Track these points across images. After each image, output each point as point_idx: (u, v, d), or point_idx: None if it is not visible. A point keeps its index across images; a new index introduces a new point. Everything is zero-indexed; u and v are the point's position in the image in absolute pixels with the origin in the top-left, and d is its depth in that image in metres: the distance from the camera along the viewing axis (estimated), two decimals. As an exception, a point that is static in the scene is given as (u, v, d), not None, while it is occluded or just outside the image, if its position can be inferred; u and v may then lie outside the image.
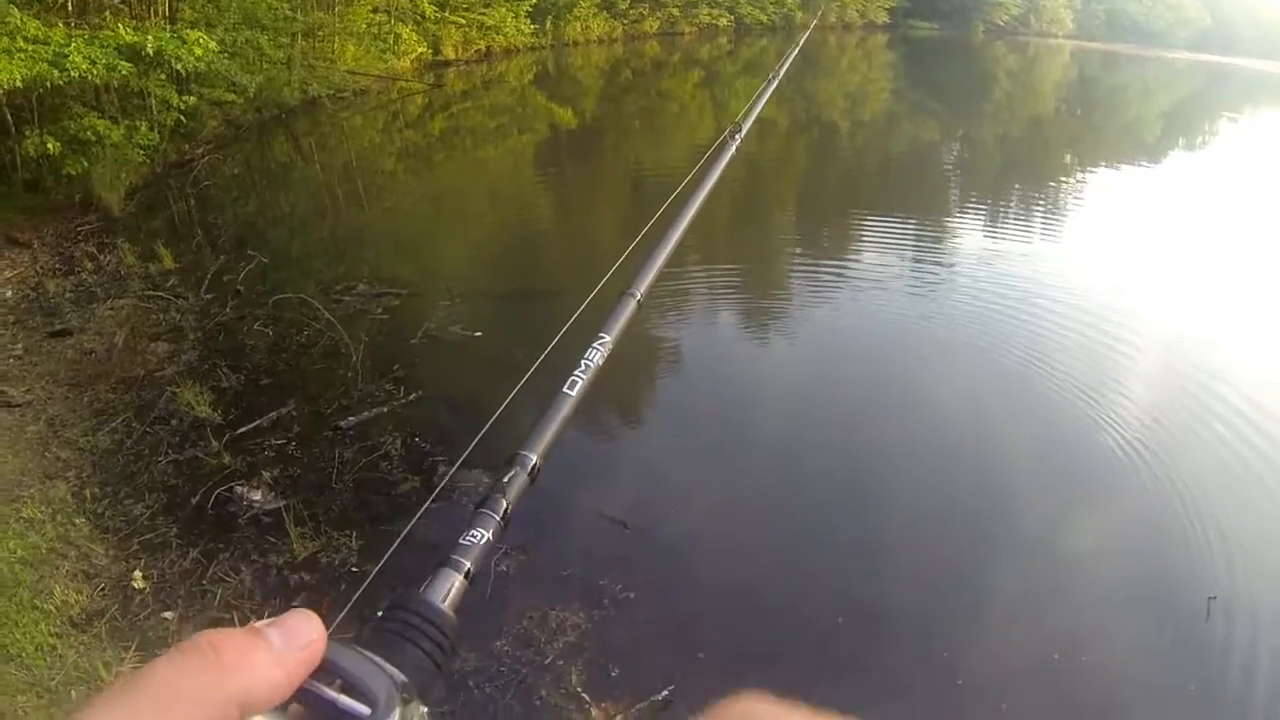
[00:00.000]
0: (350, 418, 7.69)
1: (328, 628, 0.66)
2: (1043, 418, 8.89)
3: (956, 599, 6.23)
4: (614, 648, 5.37)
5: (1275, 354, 11.07)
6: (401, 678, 0.68)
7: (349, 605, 0.85)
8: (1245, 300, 13.03)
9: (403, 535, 1.26)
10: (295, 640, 0.62)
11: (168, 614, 5.43)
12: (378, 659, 0.68)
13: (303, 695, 0.63)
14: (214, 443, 7.17)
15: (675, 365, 9.68)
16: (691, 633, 5.67)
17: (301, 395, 8.13)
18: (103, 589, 5.55)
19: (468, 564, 0.90)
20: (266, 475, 6.86)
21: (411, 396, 8.16)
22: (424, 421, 7.84)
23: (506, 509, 1.00)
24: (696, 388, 9.28)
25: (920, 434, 8.41)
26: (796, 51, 5.34)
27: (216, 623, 5.31)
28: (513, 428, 1.34)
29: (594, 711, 4.89)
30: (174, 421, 7.61)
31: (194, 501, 6.53)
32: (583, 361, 1.30)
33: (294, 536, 6.04)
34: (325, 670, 0.64)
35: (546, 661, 5.21)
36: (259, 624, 0.62)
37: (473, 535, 0.95)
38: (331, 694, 0.64)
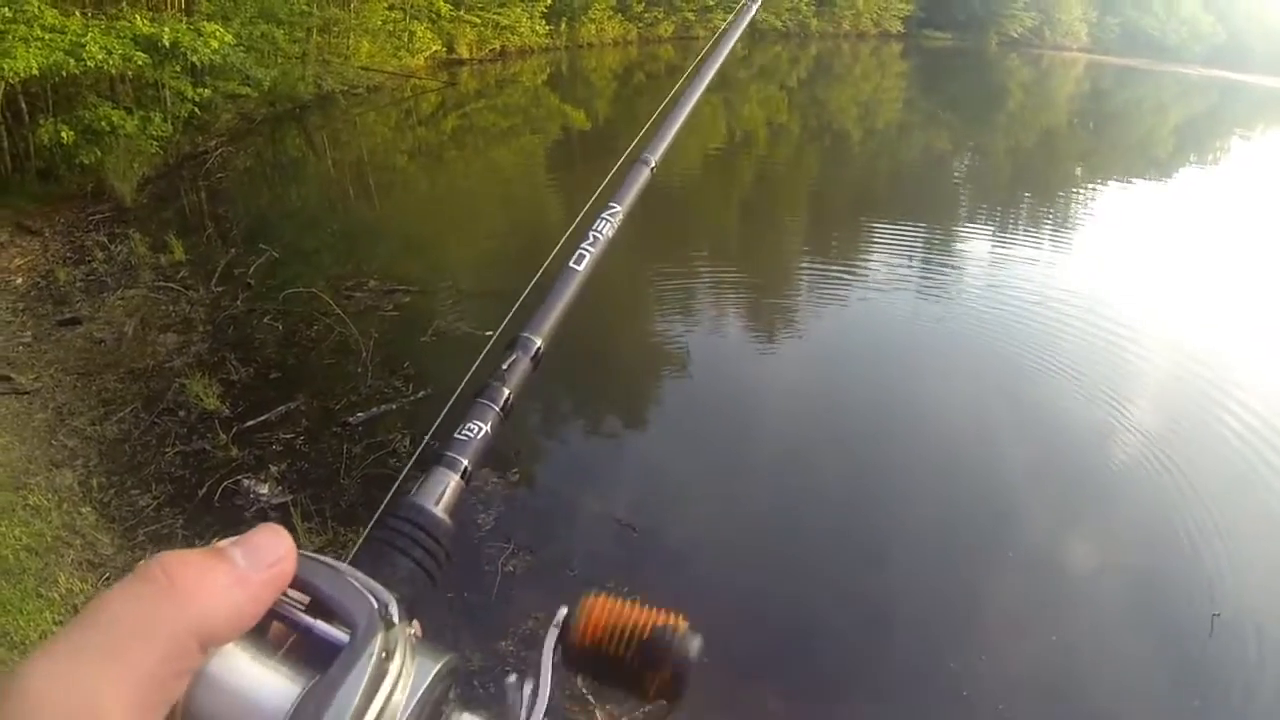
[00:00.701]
0: (359, 414, 7.66)
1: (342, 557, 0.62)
2: (1050, 427, 8.88)
3: (962, 605, 6.21)
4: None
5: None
6: (386, 595, 0.62)
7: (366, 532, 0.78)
8: (1256, 312, 12.99)
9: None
10: (261, 558, 0.57)
11: (172, 606, 5.39)
12: (359, 576, 0.63)
13: (275, 619, 0.58)
14: (222, 435, 7.14)
15: (683, 367, 9.65)
16: (700, 634, 5.61)
17: (310, 390, 8.11)
18: (108, 579, 5.52)
19: (464, 462, 0.84)
20: (274, 469, 6.84)
21: (421, 394, 8.13)
22: (433, 419, 7.75)
23: (508, 398, 0.93)
24: (704, 390, 9.24)
25: (927, 440, 8.39)
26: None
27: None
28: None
29: (598, 713, 4.85)
30: (182, 413, 7.59)
31: (200, 493, 6.50)
32: (590, 233, 1.19)
33: (300, 531, 6.00)
34: (299, 590, 0.60)
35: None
36: (222, 542, 0.57)
37: (469, 429, 0.87)
38: (306, 619, 0.59)
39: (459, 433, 0.86)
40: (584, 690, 4.96)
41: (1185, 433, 9.11)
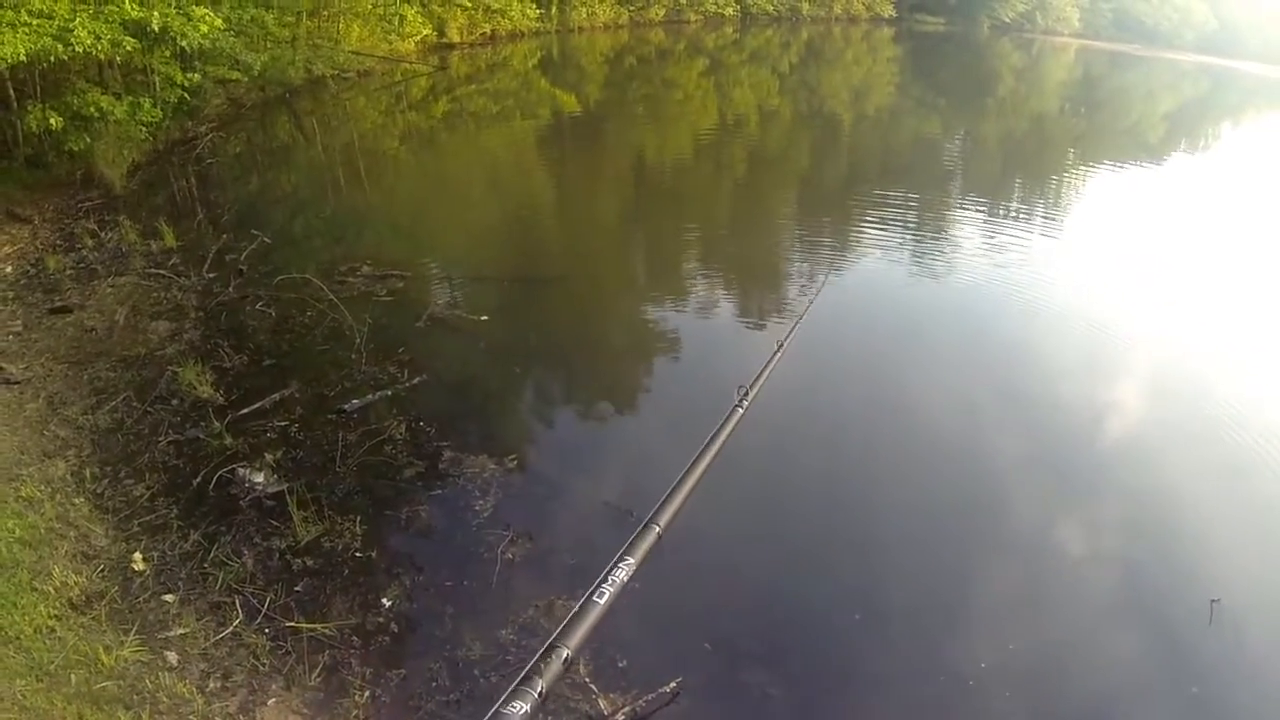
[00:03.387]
0: (354, 400, 7.61)
1: None
2: (1043, 414, 8.89)
3: (958, 593, 6.22)
4: (621, 638, 5.29)
5: (1272, 353, 11.07)
6: None
7: None
8: (1249, 297, 13.02)
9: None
10: None
11: (168, 597, 5.35)
12: None
13: None
14: (215, 423, 7.09)
15: (676, 353, 9.62)
16: (699, 624, 5.61)
17: (304, 377, 8.05)
18: (102, 571, 5.47)
19: None
20: (269, 457, 6.79)
21: (415, 380, 8.09)
22: (428, 405, 7.77)
23: (543, 690, 1.18)
24: (697, 376, 9.19)
25: (919, 428, 8.43)
26: (800, 320, 5.38)
27: (218, 607, 5.27)
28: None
29: (601, 702, 4.82)
30: (175, 401, 7.53)
31: (195, 483, 6.44)
32: (609, 577, 1.55)
33: (297, 520, 5.96)
34: None
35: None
36: None
37: (514, 707, 1.09)
38: None
39: (506, 708, 1.05)
40: (586, 679, 4.93)
41: (1180, 418, 9.15)
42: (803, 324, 9.06)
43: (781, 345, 5.24)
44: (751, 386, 3.74)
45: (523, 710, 0.92)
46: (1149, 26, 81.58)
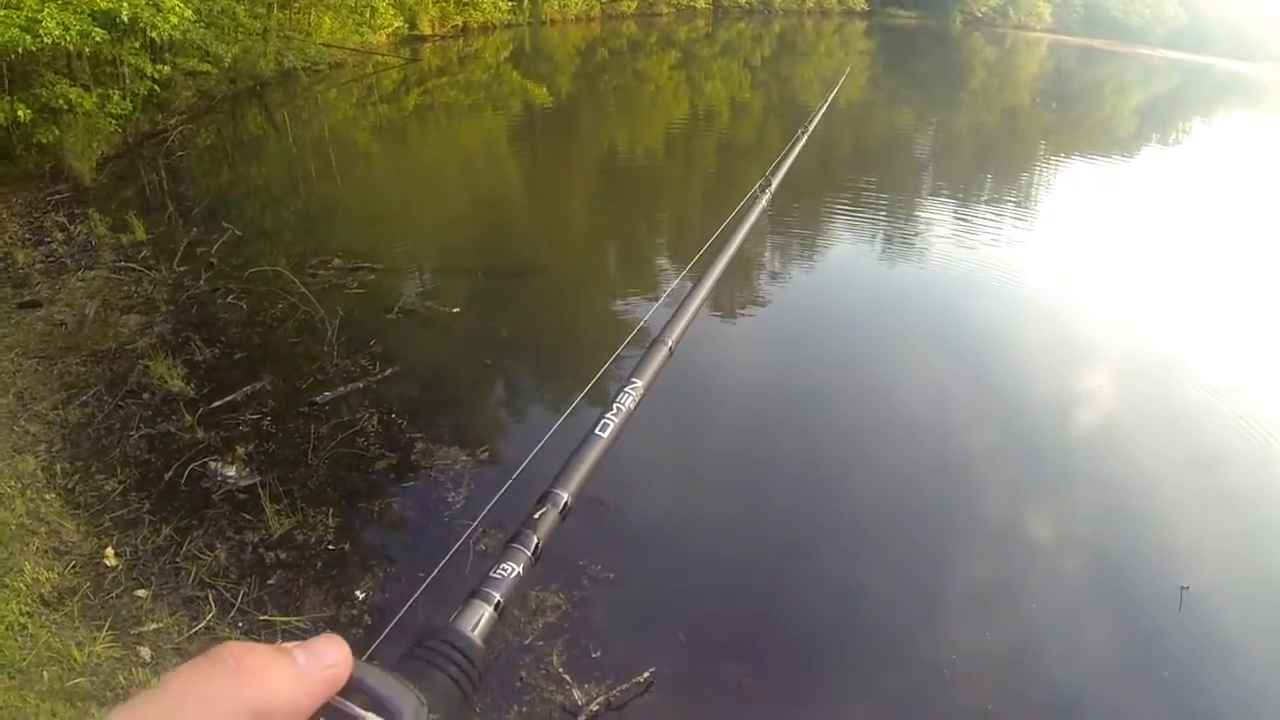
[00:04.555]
0: (326, 393, 7.59)
1: (361, 655, 0.69)
2: (1014, 404, 8.96)
3: (930, 583, 6.25)
4: (595, 628, 5.33)
5: (1243, 338, 11.21)
6: (426, 699, 0.70)
7: (383, 634, 0.85)
8: (1219, 287, 13.16)
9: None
10: (320, 659, 0.64)
11: (141, 592, 5.33)
12: (404, 680, 0.70)
13: (329, 714, 0.64)
14: (187, 417, 7.06)
15: (647, 344, 9.60)
16: (673, 614, 5.65)
17: (276, 370, 8.03)
18: (74, 566, 5.45)
19: (498, 596, 0.93)
20: (241, 451, 6.76)
21: (388, 372, 8.07)
22: (400, 397, 7.76)
23: (537, 545, 1.04)
24: (669, 367, 9.19)
25: (891, 418, 8.46)
26: (826, 106, 5.34)
27: (191, 602, 5.26)
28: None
29: (575, 692, 4.84)
30: (146, 395, 7.49)
31: (167, 477, 6.42)
32: (614, 405, 1.34)
33: (270, 513, 5.95)
34: (353, 691, 0.66)
35: (527, 642, 5.16)
36: (287, 645, 0.64)
37: (503, 569, 0.98)
38: (358, 710, 0.65)
39: (494, 571, 0.97)
40: (560, 670, 4.95)
41: (1150, 405, 9.25)
42: (772, 307, 9.09)
43: (804, 130, 5.14)
44: (773, 177, 3.72)
45: (514, 572, 0.86)
46: (1120, 21, 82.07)
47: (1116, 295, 12.26)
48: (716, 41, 48.55)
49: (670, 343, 1.60)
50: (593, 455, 1.20)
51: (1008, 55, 59.43)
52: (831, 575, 6.25)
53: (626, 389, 1.36)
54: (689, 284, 1.87)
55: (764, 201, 2.56)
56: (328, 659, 0.64)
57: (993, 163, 23.30)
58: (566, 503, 1.12)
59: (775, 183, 2.88)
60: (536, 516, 1.08)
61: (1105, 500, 7.41)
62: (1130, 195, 20.38)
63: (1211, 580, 6.38)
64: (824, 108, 4.92)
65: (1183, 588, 6.15)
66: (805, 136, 4.77)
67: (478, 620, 0.90)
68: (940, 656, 5.49)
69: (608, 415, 1.30)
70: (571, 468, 1.17)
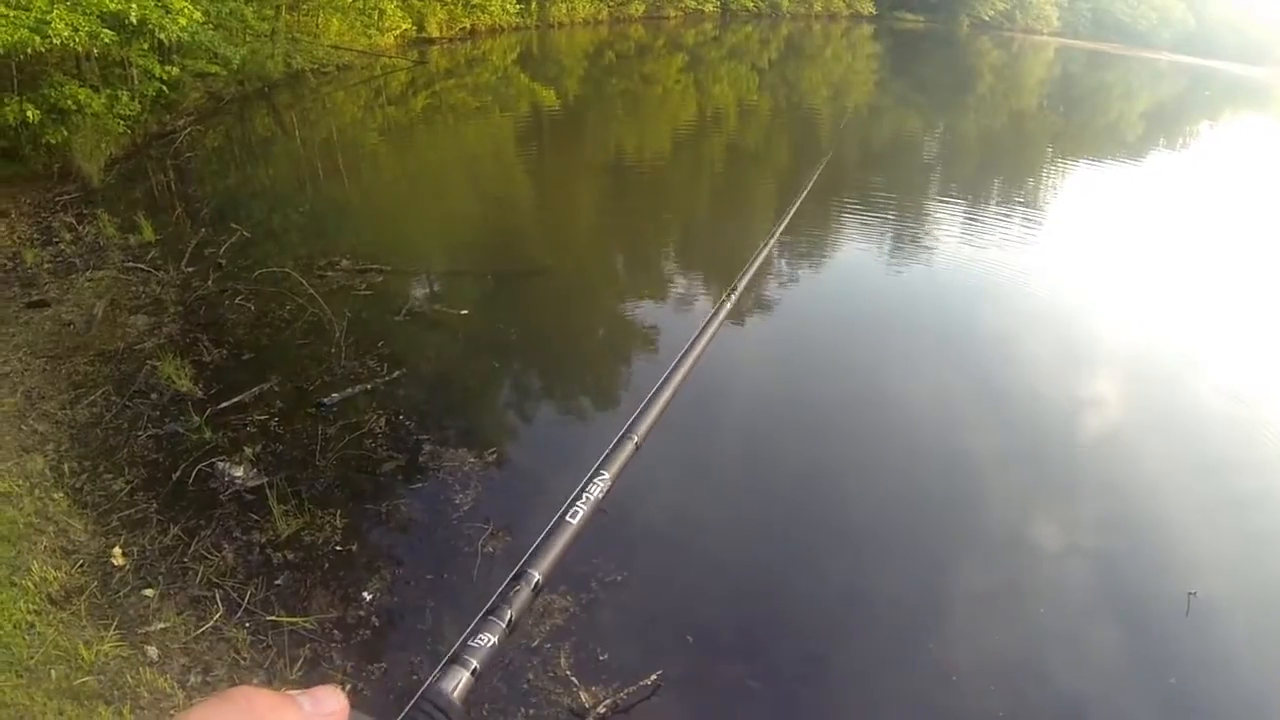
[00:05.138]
0: (333, 395, 7.59)
1: (353, 701, 0.74)
2: (1020, 408, 8.93)
3: (937, 586, 6.23)
4: (602, 631, 5.32)
5: (1253, 342, 11.20)
6: None
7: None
8: (1224, 291, 13.13)
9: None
10: (321, 707, 0.69)
11: (148, 591, 5.33)
12: None
13: None
14: (195, 418, 7.06)
15: (653, 348, 9.60)
16: (680, 617, 5.64)
17: (284, 371, 8.03)
18: (82, 565, 5.45)
19: (475, 663, 1.01)
20: (248, 451, 6.76)
21: (395, 374, 8.07)
22: (408, 399, 7.76)
23: (511, 618, 1.12)
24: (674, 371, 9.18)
25: (898, 421, 8.45)
26: (798, 203, 5.39)
27: (198, 601, 5.26)
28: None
29: (582, 695, 4.84)
30: (154, 395, 7.50)
31: (174, 477, 6.42)
32: (583, 494, 1.44)
33: (277, 514, 5.95)
34: None
35: (534, 645, 5.15)
36: (291, 691, 0.69)
37: (480, 639, 1.06)
38: None
39: (472, 640, 1.05)
40: (567, 672, 4.94)
41: (1158, 411, 9.23)
42: (780, 311, 9.09)
43: (767, 244, 5.26)
44: (738, 284, 3.78)
45: (490, 642, 0.93)
46: (1127, 25, 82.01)
47: (1126, 299, 12.26)
48: (724, 45, 48.57)
49: (637, 438, 1.72)
50: (563, 540, 1.30)
51: (1015, 59, 59.35)
52: (839, 579, 6.24)
53: (595, 480, 1.50)
54: (656, 381, 1.98)
55: (728, 307, 2.68)
56: (328, 707, 0.70)
57: (1000, 166, 23.28)
58: (538, 581, 1.21)
59: (739, 289, 3.00)
60: (511, 593, 1.16)
61: (1113, 505, 7.39)
62: (1139, 199, 20.38)
63: (1219, 586, 6.37)
64: (791, 213, 4.97)
65: (1190, 593, 6.14)
66: (772, 241, 4.81)
67: (457, 684, 0.97)
68: (948, 661, 5.48)
69: (578, 504, 1.40)
70: (543, 549, 1.26)
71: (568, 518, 1.34)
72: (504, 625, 1.08)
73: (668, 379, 2.15)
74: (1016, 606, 6.12)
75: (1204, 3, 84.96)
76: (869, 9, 72.16)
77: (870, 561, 6.44)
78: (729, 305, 2.76)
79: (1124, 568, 6.63)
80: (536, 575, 1.18)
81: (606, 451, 1.62)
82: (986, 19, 76.99)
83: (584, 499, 1.40)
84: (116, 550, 5.62)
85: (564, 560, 1.27)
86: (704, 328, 2.54)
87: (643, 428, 1.78)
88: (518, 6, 41.05)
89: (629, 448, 1.68)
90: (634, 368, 9.18)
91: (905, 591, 6.14)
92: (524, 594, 1.16)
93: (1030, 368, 9.79)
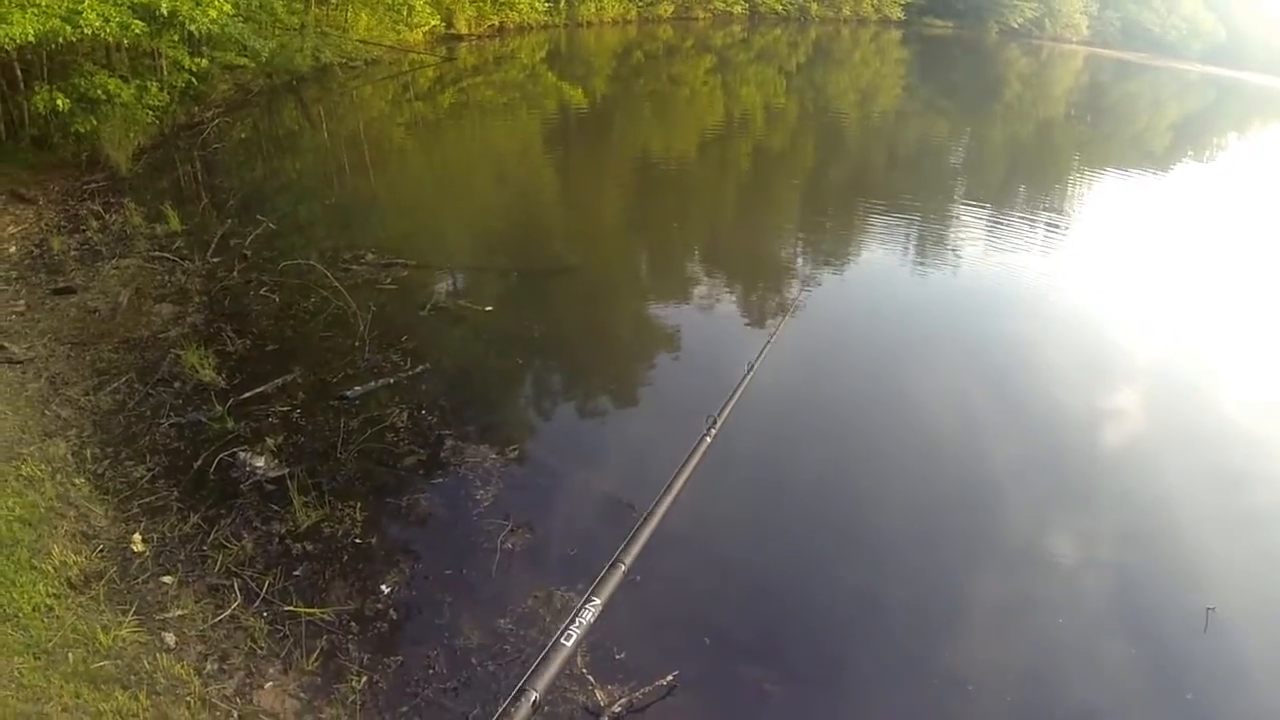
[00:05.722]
0: (356, 387, 7.60)
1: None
2: (1041, 418, 8.85)
3: (954, 596, 6.18)
4: (620, 631, 5.28)
5: (1272, 359, 11.09)
6: None
7: None
8: (1250, 305, 13.03)
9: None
10: None
11: (167, 578, 5.34)
12: None
13: None
14: (217, 407, 7.08)
15: (676, 347, 9.57)
16: (698, 618, 5.61)
17: (307, 363, 8.05)
18: (101, 550, 5.46)
19: None
20: (270, 442, 6.77)
21: (419, 369, 8.08)
22: (431, 394, 7.76)
23: None
24: (697, 370, 9.16)
25: (917, 428, 8.40)
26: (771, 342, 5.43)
27: (216, 590, 5.26)
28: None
29: (598, 694, 4.81)
30: (177, 384, 7.52)
31: (196, 466, 6.44)
32: (577, 619, 1.67)
33: (297, 505, 5.95)
34: None
35: (551, 642, 5.12)
36: None
37: None
38: None
39: None
40: (584, 670, 4.92)
41: (1179, 425, 9.15)
42: (803, 314, 9.07)
43: (752, 367, 5.22)
44: (720, 414, 3.70)
45: None
46: (1157, 35, 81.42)
47: (1150, 310, 12.17)
48: (752, 47, 48.48)
49: (626, 564, 1.79)
50: (558, 660, 1.45)
51: (1043, 67, 58.96)
52: (857, 584, 6.19)
53: (587, 606, 1.58)
54: (644, 510, 2.06)
55: (709, 439, 2.74)
56: None
57: (1026, 174, 23.17)
58: (536, 700, 1.37)
59: (721, 421, 3.06)
60: (513, 710, 1.28)
61: (1132, 517, 7.32)
62: (1166, 210, 20.20)
63: (1238, 602, 6.28)
64: (770, 343, 5.00)
65: (1209, 609, 6.07)
66: (753, 372, 4.82)
67: None
68: (964, 670, 5.43)
69: (571, 627, 1.59)
70: (541, 669, 1.42)
71: (563, 640, 1.45)
72: None
73: (654, 508, 2.28)
74: (1033, 616, 6.07)
75: (1235, 14, 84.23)
76: (897, 14, 71.88)
77: (888, 567, 6.39)
78: (710, 439, 2.84)
79: (1142, 581, 6.57)
80: (535, 694, 1.27)
81: (598, 579, 1.70)
82: (1015, 26, 76.51)
83: (577, 624, 1.50)
84: (136, 536, 5.63)
85: (560, 677, 1.31)
86: (688, 458, 2.67)
87: (632, 554, 1.87)
88: (546, 5, 41.12)
89: (619, 573, 1.78)
90: (657, 371, 9.13)
91: (922, 598, 6.10)
92: (524, 711, 1.24)
93: (1052, 376, 9.71)
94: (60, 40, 10.99)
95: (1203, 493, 7.82)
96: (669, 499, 1.90)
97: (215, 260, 10.13)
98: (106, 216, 11.15)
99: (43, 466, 6.13)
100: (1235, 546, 7.08)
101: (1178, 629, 6.04)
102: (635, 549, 1.59)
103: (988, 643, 5.77)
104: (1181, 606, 6.22)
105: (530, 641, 5.10)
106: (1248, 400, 9.59)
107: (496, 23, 37.21)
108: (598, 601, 1.39)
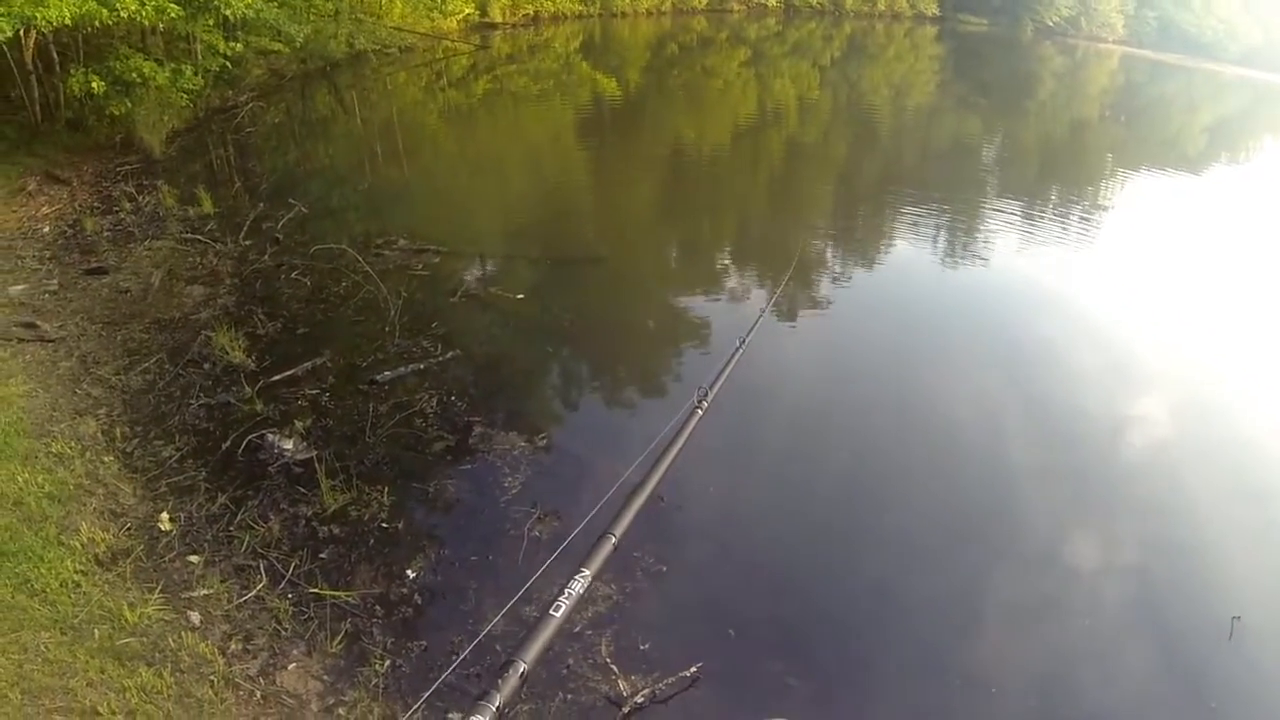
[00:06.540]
0: (386, 372, 7.61)
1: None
2: (1066, 423, 8.74)
3: (978, 601, 6.12)
4: (644, 621, 5.28)
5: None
6: None
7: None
8: (1271, 315, 12.87)
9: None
10: None
11: (193, 558, 5.35)
12: None
13: None
14: (247, 389, 7.11)
15: (704, 338, 9.52)
16: (724, 610, 5.58)
17: (337, 347, 8.06)
18: (129, 529, 5.48)
19: None
20: (299, 425, 6.78)
21: (449, 355, 8.08)
22: (460, 381, 7.76)
23: (500, 706, 1.29)
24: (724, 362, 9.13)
25: (942, 430, 8.31)
26: (764, 315, 5.39)
27: (242, 570, 5.26)
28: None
29: (621, 683, 4.79)
30: (207, 365, 7.55)
31: (224, 447, 6.46)
32: (566, 590, 1.67)
33: (325, 488, 5.96)
34: None
35: (576, 630, 5.11)
36: None
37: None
38: None
39: None
40: (607, 659, 4.90)
41: (1207, 431, 9.02)
42: (825, 314, 9.03)
43: (743, 342, 5.16)
44: (712, 388, 3.66)
45: None
46: (1193, 37, 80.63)
47: (1181, 316, 12.03)
48: (786, 40, 48.33)
49: (616, 536, 1.78)
50: (548, 631, 1.49)
51: (1078, 66, 58.48)
52: (882, 582, 6.15)
53: (576, 577, 1.58)
54: (634, 482, 2.05)
55: (701, 411, 2.71)
56: None
57: (1059, 174, 22.95)
58: (525, 671, 1.38)
59: (712, 394, 3.04)
60: (500, 681, 1.33)
61: (1157, 524, 7.23)
62: (1199, 214, 19.96)
63: (1265, 611, 6.21)
64: (761, 318, 4.95)
65: (1234, 617, 5.99)
66: (743, 348, 4.78)
67: None
68: (985, 671, 5.40)
69: (560, 599, 1.59)
70: (530, 640, 1.45)
71: (551, 611, 1.44)
72: (493, 710, 1.12)
73: (644, 481, 2.29)
74: (1056, 621, 6.01)
75: (1272, 16, 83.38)
76: (933, 10, 71.49)
77: (913, 566, 6.34)
78: (701, 412, 2.83)
79: (1166, 588, 6.50)
80: (524, 665, 1.26)
81: (588, 551, 1.70)
82: (1050, 24, 75.91)
83: (567, 594, 1.49)
84: (164, 515, 5.65)
85: (550, 649, 1.30)
86: (678, 431, 2.65)
87: (622, 526, 1.87)
88: (581, -6, 41.20)
89: (609, 545, 1.78)
90: (685, 362, 9.09)
91: (946, 599, 6.05)
92: (512, 682, 1.25)
93: (1078, 381, 9.60)
94: (96, 23, 11.04)
95: (1229, 502, 7.71)
96: (658, 474, 1.91)
97: (247, 243, 10.17)
98: (139, 198, 11.22)
99: (73, 444, 6.16)
100: (1262, 556, 6.99)
101: (1203, 637, 5.97)
102: (625, 522, 1.60)
103: (1010, 644, 5.74)
104: (1207, 614, 6.14)
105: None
106: (1278, 409, 9.46)
107: (531, 12, 37.29)
108: (587, 573, 1.40)
